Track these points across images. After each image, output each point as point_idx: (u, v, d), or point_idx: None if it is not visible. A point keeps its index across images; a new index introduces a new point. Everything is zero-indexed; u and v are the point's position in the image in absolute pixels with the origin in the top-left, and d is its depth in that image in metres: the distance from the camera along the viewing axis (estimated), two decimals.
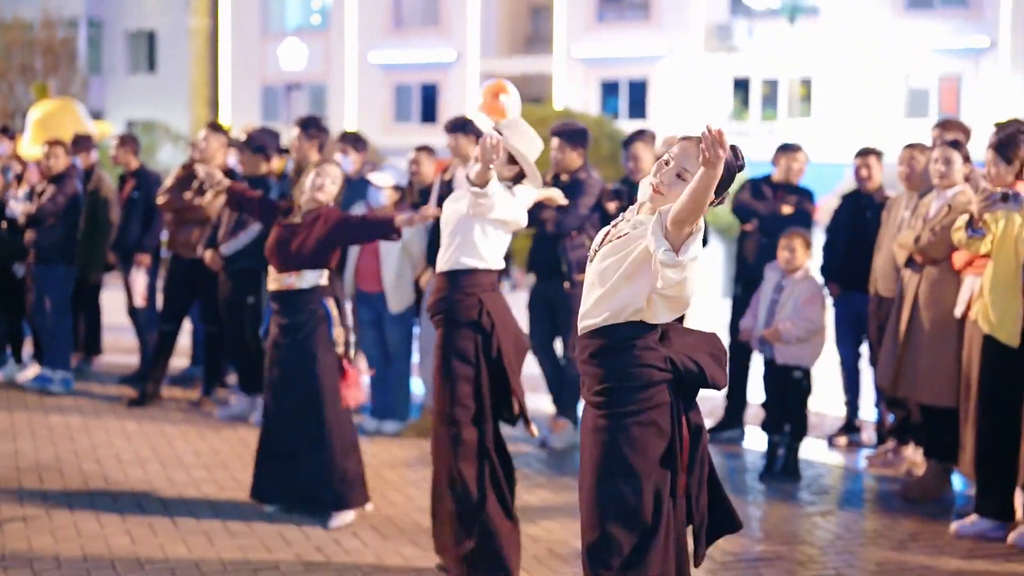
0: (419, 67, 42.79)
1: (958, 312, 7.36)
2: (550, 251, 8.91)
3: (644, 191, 4.42)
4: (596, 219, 8.72)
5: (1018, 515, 6.90)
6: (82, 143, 11.35)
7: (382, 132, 40.64)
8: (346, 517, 6.97)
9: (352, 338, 7.30)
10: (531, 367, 9.26)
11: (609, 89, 40.79)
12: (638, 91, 40.13)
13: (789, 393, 8.20)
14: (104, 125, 15.81)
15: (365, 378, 7.17)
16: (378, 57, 43.14)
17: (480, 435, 6.00)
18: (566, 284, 8.81)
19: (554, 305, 8.98)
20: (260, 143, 9.39)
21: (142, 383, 10.34)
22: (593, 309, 4.29)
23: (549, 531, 6.90)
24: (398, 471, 8.20)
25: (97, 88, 43.64)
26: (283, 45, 44.94)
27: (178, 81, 45.35)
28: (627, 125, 34.26)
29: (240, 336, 9.50)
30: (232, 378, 10.50)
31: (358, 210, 9.32)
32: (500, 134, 5.94)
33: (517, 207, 6.15)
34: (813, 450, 8.94)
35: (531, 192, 6.39)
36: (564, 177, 8.79)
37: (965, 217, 6.92)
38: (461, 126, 8.98)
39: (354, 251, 9.38)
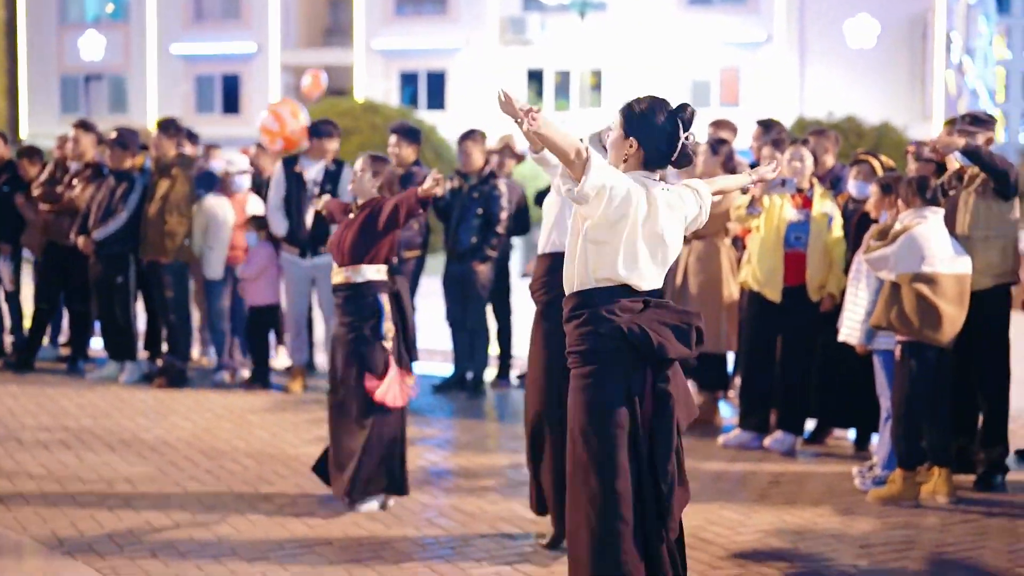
0: (220, 58, 43.60)
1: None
2: None
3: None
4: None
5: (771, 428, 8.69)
6: None
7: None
8: (371, 505, 7.04)
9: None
10: None
11: (408, 80, 42.29)
12: (436, 82, 41.75)
13: None
14: None
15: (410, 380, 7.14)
16: (179, 48, 43.76)
17: None
18: (394, 259, 10.19)
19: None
20: (126, 140, 10.63)
21: (17, 355, 11.52)
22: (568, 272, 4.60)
23: None
24: (259, 415, 9.62)
25: None
26: (82, 36, 45.15)
27: None
28: (426, 116, 35.86)
29: (111, 311, 10.76)
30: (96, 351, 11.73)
31: (208, 198, 10.65)
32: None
33: None
34: None
35: None
36: (399, 170, 10.22)
37: (747, 198, 8.58)
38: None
39: None
